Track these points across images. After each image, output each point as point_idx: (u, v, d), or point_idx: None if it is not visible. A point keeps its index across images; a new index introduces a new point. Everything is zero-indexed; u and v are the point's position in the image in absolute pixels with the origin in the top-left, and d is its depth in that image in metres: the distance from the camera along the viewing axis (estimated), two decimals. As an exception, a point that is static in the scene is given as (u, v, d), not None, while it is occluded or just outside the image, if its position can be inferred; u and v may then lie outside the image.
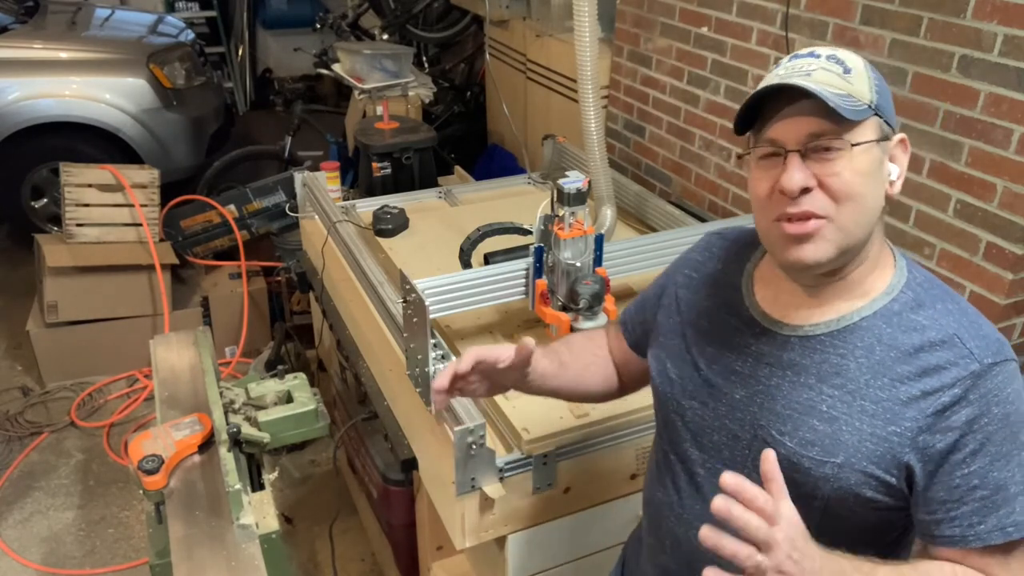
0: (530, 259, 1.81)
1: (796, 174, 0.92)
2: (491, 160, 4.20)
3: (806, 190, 0.93)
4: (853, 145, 0.92)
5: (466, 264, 2.07)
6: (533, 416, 1.61)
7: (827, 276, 0.99)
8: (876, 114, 0.94)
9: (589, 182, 1.81)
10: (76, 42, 4.31)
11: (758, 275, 1.11)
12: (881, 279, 1.01)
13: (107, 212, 3.47)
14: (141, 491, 1.62)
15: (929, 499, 0.95)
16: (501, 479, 1.53)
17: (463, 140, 4.46)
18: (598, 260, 1.84)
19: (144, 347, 2.16)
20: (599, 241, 1.83)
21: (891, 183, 0.98)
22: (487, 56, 3.93)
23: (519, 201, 2.62)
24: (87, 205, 3.45)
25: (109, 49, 4.29)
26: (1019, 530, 0.92)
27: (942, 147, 1.85)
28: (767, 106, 0.95)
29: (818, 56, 0.96)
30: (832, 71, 0.94)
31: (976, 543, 0.93)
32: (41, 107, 3.98)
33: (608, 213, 2.29)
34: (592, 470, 1.63)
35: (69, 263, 3.32)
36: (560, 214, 1.77)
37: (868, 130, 0.94)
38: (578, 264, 1.77)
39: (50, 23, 4.56)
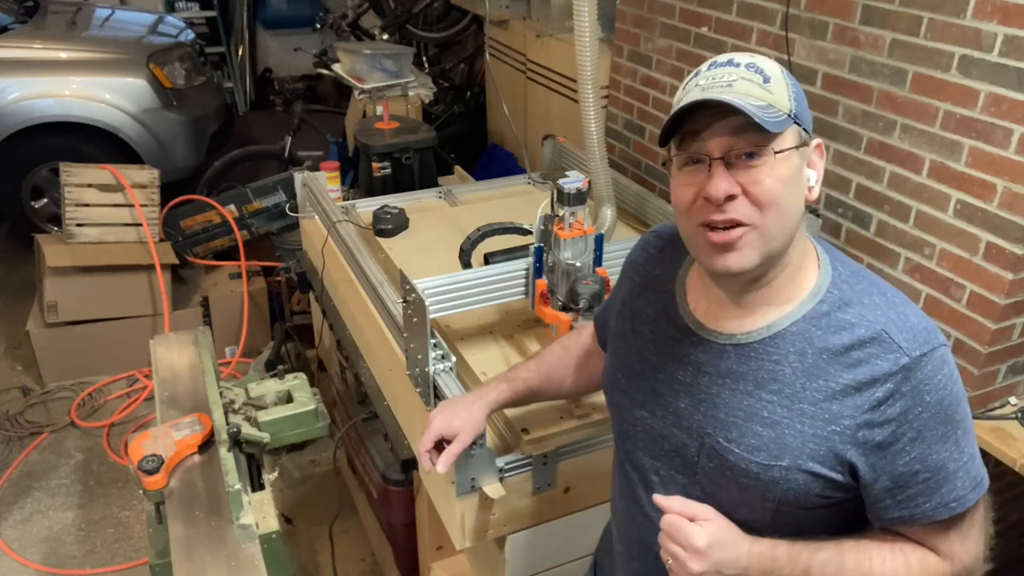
0: (530, 259, 1.81)
1: (721, 183, 0.94)
2: (491, 160, 4.20)
3: (731, 197, 0.94)
4: (776, 153, 0.94)
5: (466, 264, 2.07)
6: (533, 416, 1.61)
7: (752, 283, 1.01)
8: (795, 122, 0.96)
9: (589, 182, 1.81)
10: (76, 42, 4.31)
11: (689, 283, 1.12)
12: (807, 280, 1.02)
13: (107, 212, 3.47)
14: (141, 491, 1.62)
15: (877, 489, 0.99)
16: (501, 479, 1.53)
17: (463, 140, 4.46)
18: (598, 260, 1.84)
19: (144, 347, 2.16)
20: (599, 241, 1.83)
21: (810, 189, 1.00)
22: (487, 56, 3.93)
23: (519, 201, 2.62)
24: (87, 205, 3.46)
25: (109, 49, 4.29)
26: (961, 504, 0.98)
27: (942, 147, 1.85)
28: (690, 116, 0.96)
29: (737, 65, 0.97)
30: (752, 80, 0.95)
31: (923, 519, 0.99)
32: (41, 107, 3.98)
33: (608, 213, 2.29)
34: (592, 470, 1.63)
35: (69, 263, 3.32)
36: (560, 214, 1.77)
37: (788, 138, 0.96)
38: (578, 264, 1.77)
39: (50, 23, 4.56)
